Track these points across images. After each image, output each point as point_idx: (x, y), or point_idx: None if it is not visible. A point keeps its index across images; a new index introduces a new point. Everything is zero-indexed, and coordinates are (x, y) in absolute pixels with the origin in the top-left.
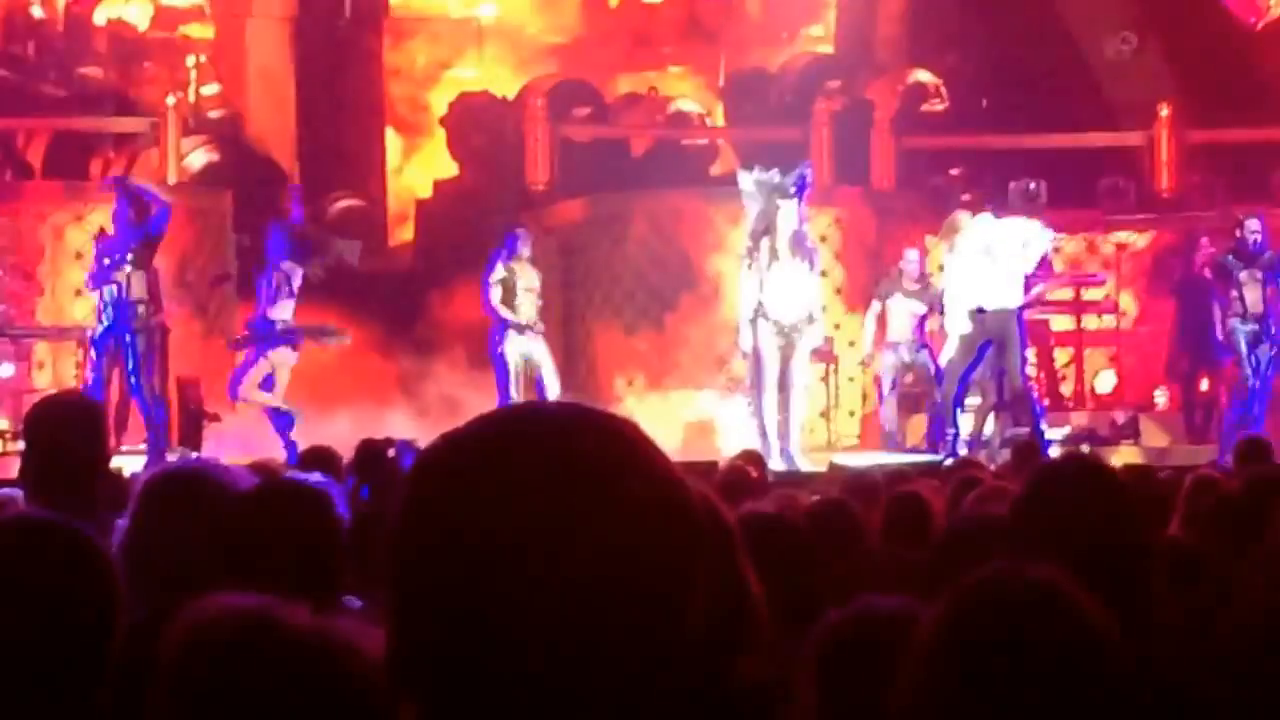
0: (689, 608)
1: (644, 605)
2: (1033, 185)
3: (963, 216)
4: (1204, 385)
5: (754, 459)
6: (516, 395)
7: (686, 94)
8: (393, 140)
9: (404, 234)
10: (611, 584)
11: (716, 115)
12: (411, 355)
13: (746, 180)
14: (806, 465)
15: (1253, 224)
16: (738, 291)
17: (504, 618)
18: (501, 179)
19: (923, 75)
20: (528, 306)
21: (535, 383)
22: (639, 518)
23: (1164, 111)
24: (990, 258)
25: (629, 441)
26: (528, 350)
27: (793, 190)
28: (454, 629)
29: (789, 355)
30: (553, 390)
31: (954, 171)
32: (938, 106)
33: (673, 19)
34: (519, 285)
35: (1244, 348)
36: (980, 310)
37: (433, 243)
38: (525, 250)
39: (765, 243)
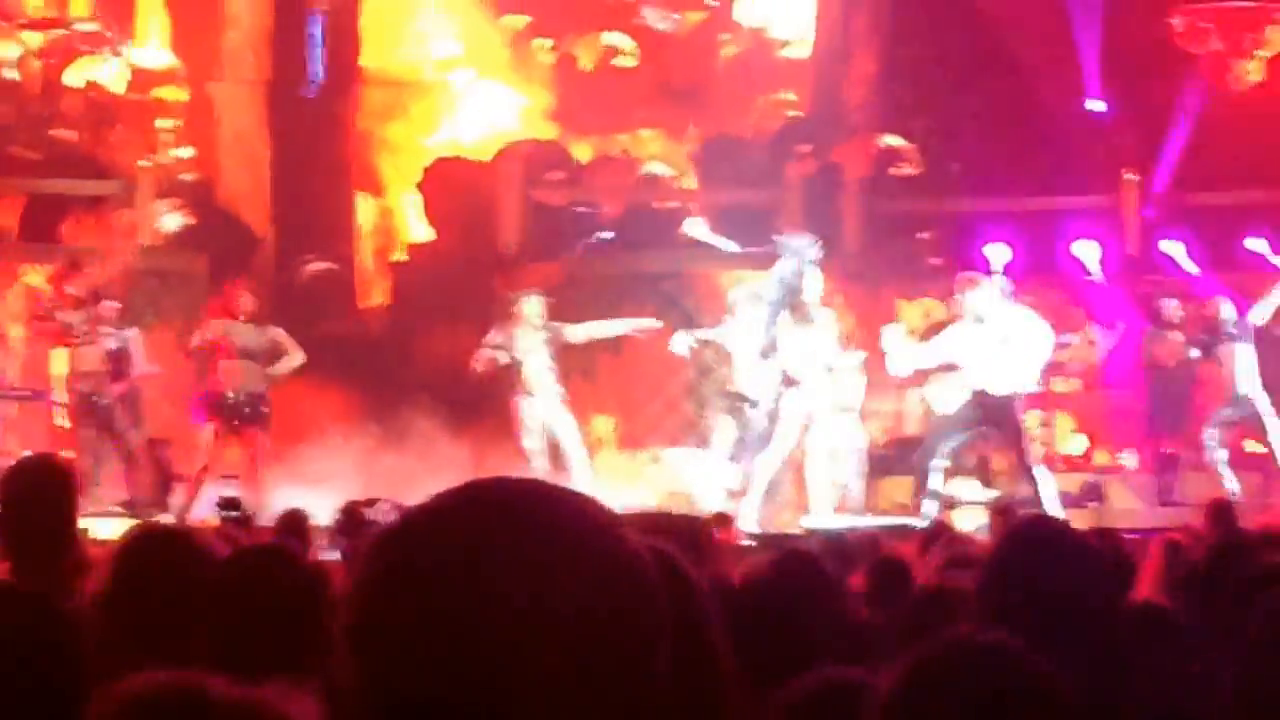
0: (654, 674)
1: (608, 672)
2: None
3: (985, 283)
4: (1169, 449)
5: (723, 520)
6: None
7: (658, 157)
8: (364, 204)
9: (375, 298)
10: (576, 655)
11: (688, 178)
12: (386, 417)
13: (783, 245)
14: (837, 524)
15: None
16: (744, 353)
17: (469, 690)
18: (475, 242)
19: (893, 139)
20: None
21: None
22: (598, 591)
23: (1132, 176)
24: (1003, 341)
25: (588, 514)
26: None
27: (820, 255)
28: (416, 699)
29: (812, 418)
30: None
31: (924, 235)
32: (908, 170)
33: (645, 82)
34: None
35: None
36: (982, 392)
37: (407, 305)
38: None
39: (790, 306)
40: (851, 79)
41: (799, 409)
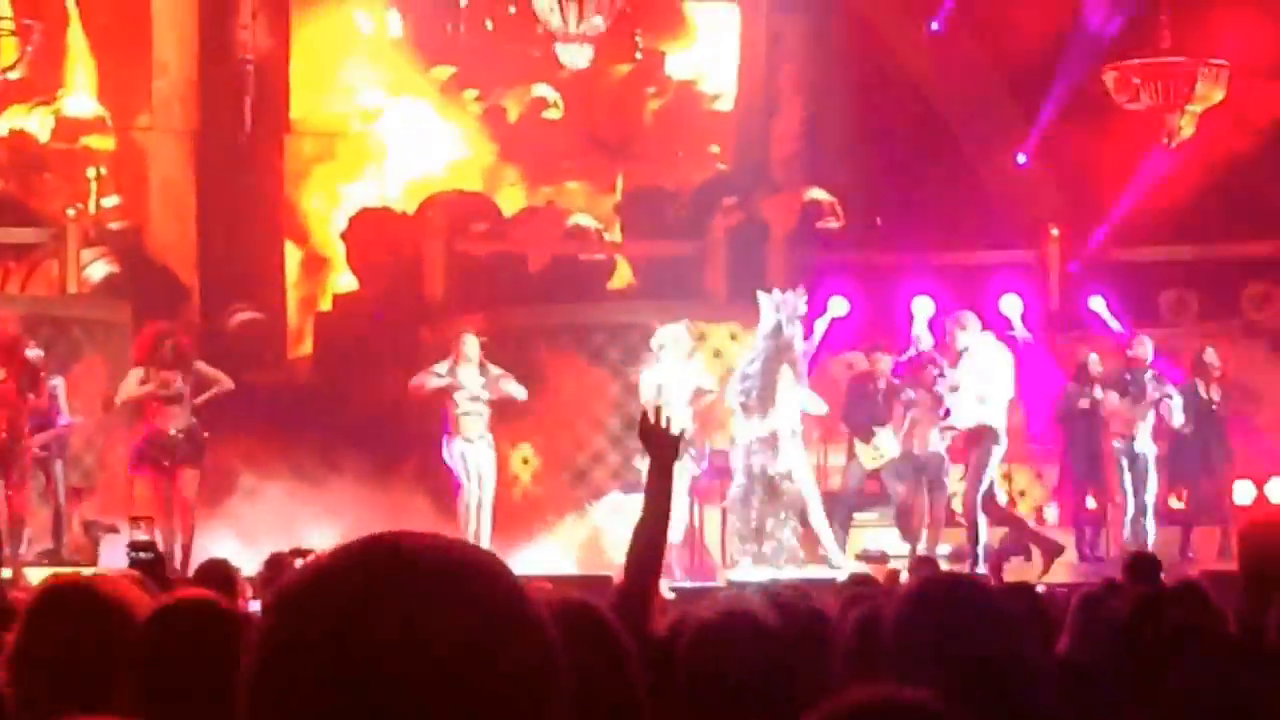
0: None
1: None
2: None
3: (973, 321)
4: (1090, 503)
5: None
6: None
7: (584, 209)
8: (292, 254)
9: (304, 347)
10: (462, 712)
11: (614, 230)
12: (312, 466)
13: (767, 302)
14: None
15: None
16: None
17: None
18: (400, 293)
19: (818, 193)
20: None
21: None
22: (486, 648)
23: (1056, 231)
24: (981, 378)
25: (482, 570)
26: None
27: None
28: None
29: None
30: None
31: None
32: (832, 224)
33: (571, 134)
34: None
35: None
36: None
37: (331, 355)
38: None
39: (786, 362)
40: (777, 133)
41: (804, 459)
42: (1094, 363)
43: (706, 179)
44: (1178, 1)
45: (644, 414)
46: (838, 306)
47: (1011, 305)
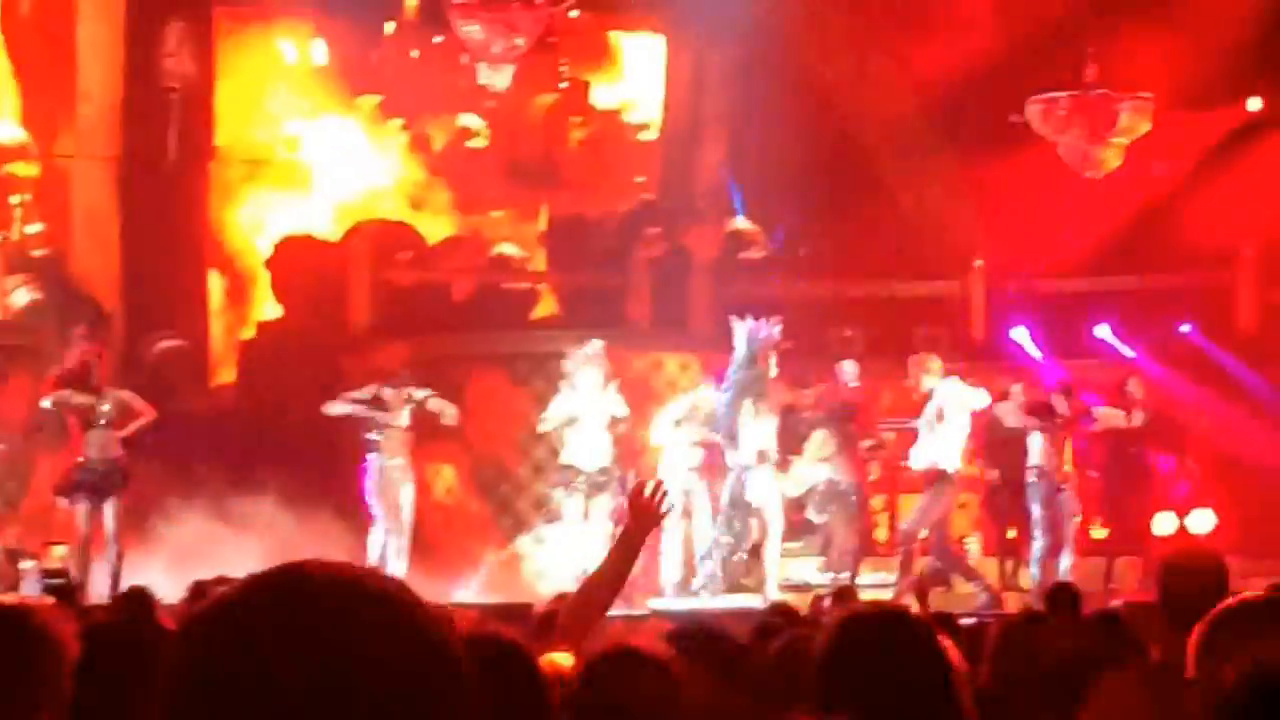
0: None
1: None
2: None
3: (935, 364)
4: (1011, 534)
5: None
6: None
7: (509, 238)
8: (216, 281)
9: (227, 374)
10: None
11: (538, 260)
12: (235, 493)
13: (740, 331)
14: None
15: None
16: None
17: None
18: (324, 320)
19: (742, 223)
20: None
21: None
22: (395, 678)
23: (978, 262)
24: (944, 420)
25: (393, 601)
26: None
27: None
28: None
29: (769, 499)
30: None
31: (772, 319)
32: (756, 254)
33: (496, 164)
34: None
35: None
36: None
37: (255, 383)
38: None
39: (756, 394)
40: (701, 163)
41: (773, 489)
42: (1016, 394)
43: (631, 209)
44: (1104, 34)
45: (639, 484)
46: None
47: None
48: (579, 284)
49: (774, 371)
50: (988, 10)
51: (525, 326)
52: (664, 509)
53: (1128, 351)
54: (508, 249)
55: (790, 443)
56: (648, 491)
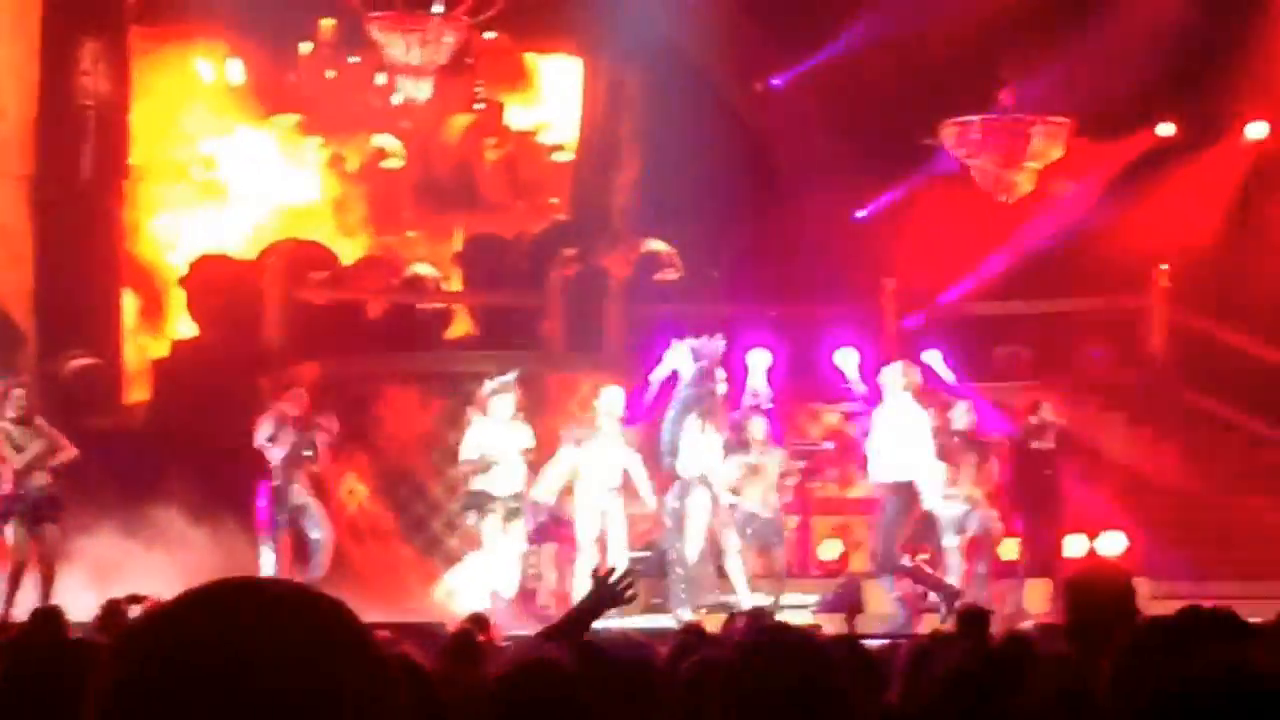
0: None
1: None
2: None
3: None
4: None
5: (481, 622)
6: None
7: (423, 258)
8: (131, 300)
9: (139, 392)
10: None
11: (453, 280)
12: (149, 512)
13: (682, 349)
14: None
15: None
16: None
17: None
18: (238, 340)
19: (657, 244)
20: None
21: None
22: (333, 694)
23: (892, 283)
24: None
25: (332, 618)
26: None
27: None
28: None
29: (717, 515)
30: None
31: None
32: (671, 275)
33: (410, 184)
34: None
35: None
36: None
37: (169, 402)
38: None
39: (703, 411)
40: (616, 184)
41: (705, 507)
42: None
43: (546, 229)
44: (1018, 58)
45: (609, 571)
46: (759, 359)
47: (846, 357)
48: (493, 304)
49: (722, 388)
50: (903, 32)
51: (439, 347)
52: (628, 596)
53: (949, 377)
54: (422, 269)
55: None
56: (614, 578)
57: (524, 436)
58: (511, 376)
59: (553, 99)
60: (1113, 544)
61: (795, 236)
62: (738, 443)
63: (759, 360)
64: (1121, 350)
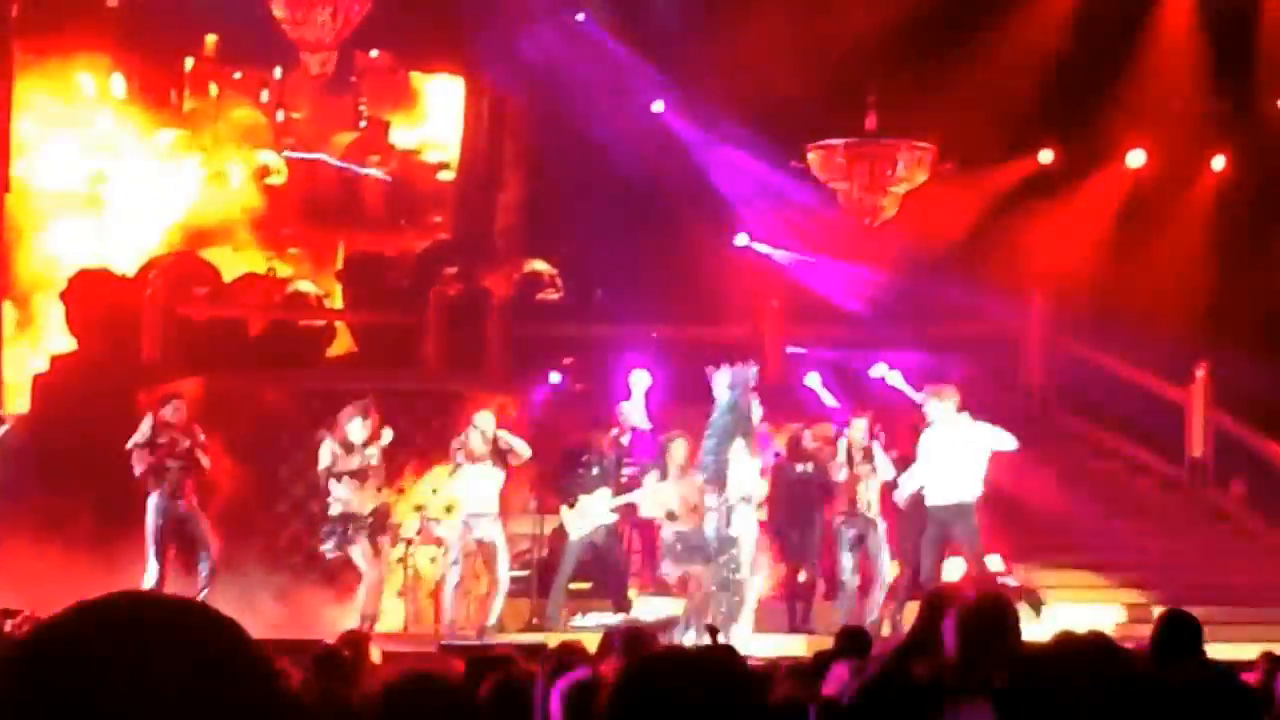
0: None
1: None
2: None
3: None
4: (802, 576)
5: (354, 641)
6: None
7: (305, 275)
8: (10, 313)
9: (17, 406)
10: None
11: (334, 297)
12: (26, 526)
13: (721, 378)
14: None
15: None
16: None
17: None
18: (118, 354)
19: (539, 264)
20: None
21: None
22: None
23: (775, 305)
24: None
25: (218, 632)
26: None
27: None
28: None
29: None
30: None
31: (566, 360)
32: (552, 295)
33: (292, 200)
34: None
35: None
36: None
37: (48, 416)
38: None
39: (743, 434)
40: (499, 204)
41: (752, 528)
42: (807, 439)
43: (428, 248)
44: (885, 84)
45: None
46: (640, 380)
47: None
48: (374, 322)
49: (759, 412)
50: (774, 54)
51: (319, 363)
52: None
53: (831, 401)
54: (304, 286)
55: (573, 482)
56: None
57: (374, 458)
58: (366, 402)
59: (437, 118)
60: (990, 566)
61: (679, 257)
62: (656, 466)
63: (640, 381)
64: (1000, 375)
